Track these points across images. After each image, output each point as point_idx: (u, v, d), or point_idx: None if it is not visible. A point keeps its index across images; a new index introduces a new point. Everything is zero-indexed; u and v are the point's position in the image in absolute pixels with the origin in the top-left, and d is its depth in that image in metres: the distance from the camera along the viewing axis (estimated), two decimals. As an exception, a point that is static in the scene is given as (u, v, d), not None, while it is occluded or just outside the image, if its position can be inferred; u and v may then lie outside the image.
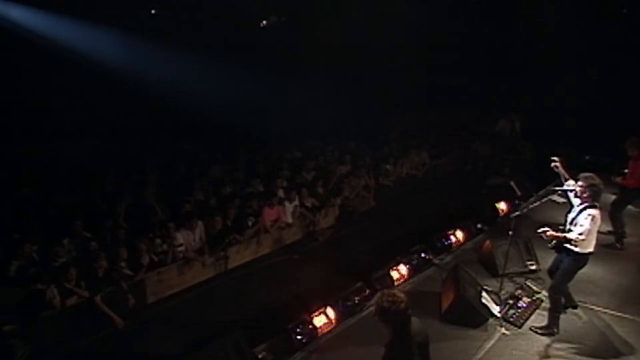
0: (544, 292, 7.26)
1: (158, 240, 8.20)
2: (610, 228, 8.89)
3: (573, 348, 6.26)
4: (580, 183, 6.13)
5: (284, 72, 14.01)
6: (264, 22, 15.89)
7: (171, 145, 12.61)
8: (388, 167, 11.82)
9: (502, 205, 9.78)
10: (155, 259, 8.05)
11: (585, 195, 6.06)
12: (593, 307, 7.08)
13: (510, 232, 6.95)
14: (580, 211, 6.10)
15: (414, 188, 12.31)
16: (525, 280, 7.59)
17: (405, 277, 7.59)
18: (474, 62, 14.41)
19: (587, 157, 11.98)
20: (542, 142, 12.61)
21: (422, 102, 14.08)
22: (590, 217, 5.98)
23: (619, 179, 8.49)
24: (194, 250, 8.49)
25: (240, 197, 9.65)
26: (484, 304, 6.81)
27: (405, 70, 14.22)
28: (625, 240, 8.87)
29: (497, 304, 7.01)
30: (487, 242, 8.06)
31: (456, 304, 6.62)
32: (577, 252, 6.10)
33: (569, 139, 12.40)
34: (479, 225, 9.08)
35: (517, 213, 6.81)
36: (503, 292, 7.29)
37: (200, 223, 8.66)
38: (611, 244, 8.88)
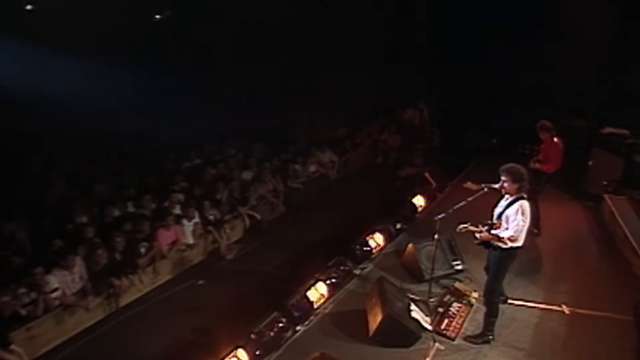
0: (474, 294, 6.69)
1: (23, 289, 6.54)
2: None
3: (510, 353, 5.69)
4: (503, 177, 5.55)
5: (179, 71, 12.44)
6: (157, 16, 13.93)
7: (44, 163, 10.57)
8: (297, 167, 10.79)
9: (419, 201, 9.13)
10: (23, 312, 6.43)
11: (511, 188, 5.51)
12: (522, 302, 6.57)
13: (436, 236, 6.23)
14: (508, 205, 5.51)
15: (326, 188, 11.45)
16: (453, 282, 6.94)
17: (326, 296, 6.61)
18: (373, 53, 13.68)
19: (494, 141, 11.79)
20: (450, 129, 12.28)
21: (326, 97, 13.17)
22: (520, 211, 5.41)
23: (537, 165, 8.12)
24: (74, 293, 6.94)
25: (130, 220, 8.15)
26: (413, 318, 6.01)
27: (304, 65, 13.24)
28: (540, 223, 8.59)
29: (427, 315, 6.27)
30: (410, 246, 7.30)
31: (384, 323, 5.74)
32: (505, 249, 5.50)
33: (476, 124, 12.14)
34: (398, 225, 8.32)
35: (442, 215, 6.06)
36: (432, 299, 6.59)
37: (78, 259, 7.08)
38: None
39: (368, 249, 7.64)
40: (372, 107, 13.46)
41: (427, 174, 9.80)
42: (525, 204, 5.44)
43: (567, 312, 6.47)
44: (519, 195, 5.47)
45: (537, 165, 8.02)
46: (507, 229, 5.46)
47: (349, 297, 6.76)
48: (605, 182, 9.19)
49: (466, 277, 7.10)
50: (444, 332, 6.00)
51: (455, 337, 5.94)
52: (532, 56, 11.80)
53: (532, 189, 8.33)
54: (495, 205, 5.79)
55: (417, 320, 6.02)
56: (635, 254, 7.46)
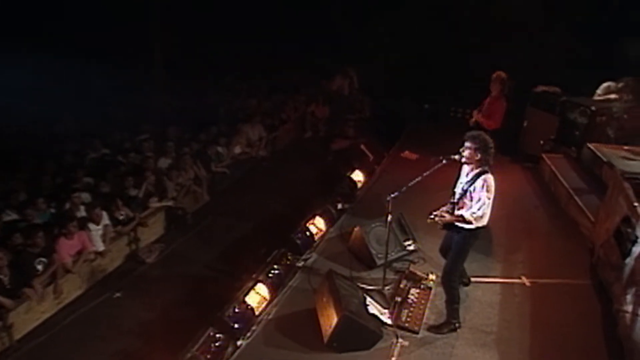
0: (431, 276, 5.99)
1: None
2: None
3: (479, 340, 5.05)
4: (467, 144, 4.81)
5: (82, 53, 10.58)
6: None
7: None
8: (219, 149, 9.51)
9: (358, 176, 8.29)
10: None
11: (475, 158, 4.78)
12: (482, 279, 5.98)
13: (389, 217, 5.40)
14: (473, 180, 4.80)
15: (254, 169, 10.31)
16: (407, 265, 6.21)
17: (268, 299, 5.61)
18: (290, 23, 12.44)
19: (426, 106, 11.19)
20: (380, 96, 11.49)
21: (248, 71, 11.82)
22: (485, 187, 4.71)
23: (480, 118, 7.49)
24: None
25: (20, 232, 6.58)
26: (371, 314, 5.19)
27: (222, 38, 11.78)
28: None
29: (384, 307, 5.47)
30: (357, 229, 6.43)
31: (341, 325, 4.84)
32: (469, 229, 4.83)
33: (407, 91, 11.42)
34: (339, 206, 7.43)
35: (395, 194, 5.22)
36: (387, 288, 5.83)
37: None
38: None
39: (309, 236, 6.71)
40: (297, 77, 12.31)
41: (362, 146, 8.98)
42: (489, 178, 4.74)
43: (527, 284, 5.97)
44: (482, 169, 4.77)
45: (480, 118, 7.41)
46: (471, 207, 4.78)
47: (295, 295, 5.78)
48: (542, 142, 8.88)
49: (419, 257, 6.41)
50: (406, 325, 5.24)
51: (419, 329, 5.20)
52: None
53: None
54: (455, 182, 5.07)
55: (375, 316, 5.21)
56: (582, 213, 7.15)
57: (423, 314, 5.41)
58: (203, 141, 9.58)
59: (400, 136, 10.35)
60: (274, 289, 5.70)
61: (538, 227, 7.20)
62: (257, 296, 5.50)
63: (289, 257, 6.20)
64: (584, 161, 8.38)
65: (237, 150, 9.73)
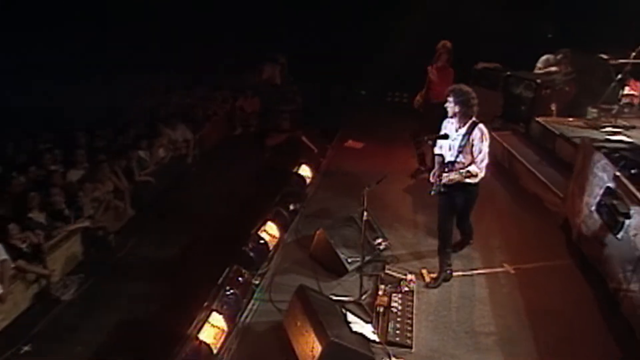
0: (410, 276, 5.18)
1: None
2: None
3: (481, 344, 4.33)
4: (451, 99, 4.71)
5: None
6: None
7: None
8: (141, 154, 8.07)
9: (305, 171, 7.29)
10: None
11: (463, 111, 4.67)
12: (466, 272, 5.28)
13: (364, 214, 4.50)
14: (467, 133, 4.67)
15: (183, 174, 8.95)
16: (382, 268, 5.34)
17: (226, 330, 4.48)
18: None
19: (362, 92, 10.45)
20: (310, 85, 10.50)
21: (162, 65, 10.31)
22: (483, 137, 4.65)
23: (433, 72, 6.97)
24: None
25: None
26: (356, 332, 4.26)
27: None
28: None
29: (367, 321, 4.57)
30: (319, 232, 5.44)
31: (327, 354, 3.87)
32: (475, 184, 4.77)
33: (339, 78, 10.54)
34: (291, 207, 6.40)
35: (372, 186, 4.33)
36: (364, 297, 4.93)
37: None
38: (416, 170, 7.43)
39: (262, 246, 5.61)
40: (220, 68, 10.95)
41: (304, 138, 8.02)
42: (483, 127, 4.71)
43: (512, 271, 5.38)
44: (472, 121, 4.71)
45: (433, 76, 6.94)
46: (475, 161, 4.65)
47: (258, 321, 4.67)
48: (490, 119, 8.43)
49: (391, 256, 5.57)
50: (397, 339, 4.38)
51: (412, 342, 4.36)
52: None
53: (426, 127, 7.14)
54: (435, 140, 4.91)
55: (361, 335, 4.28)
56: (545, 188, 6.72)
57: (411, 322, 4.59)
58: (121, 146, 8.05)
59: (340, 125, 9.51)
60: (231, 317, 4.57)
61: (503, 207, 6.67)
62: (213, 329, 4.34)
63: (244, 274, 5.09)
64: (533, 136, 8.06)
65: (162, 153, 8.34)
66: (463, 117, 4.68)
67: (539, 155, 7.48)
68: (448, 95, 4.70)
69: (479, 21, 10.26)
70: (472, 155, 4.63)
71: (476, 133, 4.62)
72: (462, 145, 4.65)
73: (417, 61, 10.63)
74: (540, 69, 8.34)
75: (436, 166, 4.88)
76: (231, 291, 4.75)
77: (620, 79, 7.65)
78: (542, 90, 8.01)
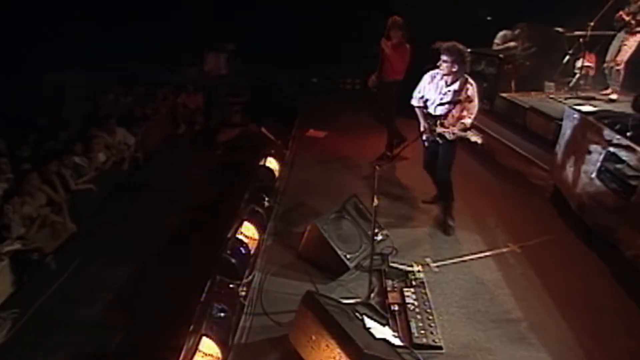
0: (416, 267, 4.57)
1: None
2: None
3: (512, 333, 3.81)
4: (444, 58, 4.64)
5: None
6: None
7: None
8: (77, 160, 6.78)
9: (272, 164, 6.47)
10: None
11: (454, 70, 4.63)
12: (473, 256, 4.75)
13: (375, 200, 3.79)
14: (460, 89, 4.66)
15: (127, 179, 7.75)
16: (383, 261, 4.67)
17: (220, 358, 3.59)
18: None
19: (313, 80, 9.74)
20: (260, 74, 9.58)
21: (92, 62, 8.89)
22: (475, 90, 4.68)
23: (388, 47, 6.45)
24: None
25: None
26: (381, 339, 3.56)
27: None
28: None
29: (383, 324, 3.88)
30: (311, 227, 4.65)
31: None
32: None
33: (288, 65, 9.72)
34: (266, 203, 5.54)
35: (382, 164, 3.66)
36: (372, 296, 4.24)
37: None
38: (382, 155, 6.88)
39: (243, 249, 4.75)
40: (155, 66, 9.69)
41: (264, 129, 7.18)
42: (473, 82, 4.73)
43: (518, 250, 4.92)
44: (464, 77, 4.69)
45: (389, 49, 6.41)
46: (469, 114, 4.63)
47: (256, 343, 3.79)
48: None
49: (389, 247, 4.92)
50: (424, 341, 3.74)
51: (440, 341, 3.75)
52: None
53: (386, 106, 6.71)
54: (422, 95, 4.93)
55: (385, 341, 3.60)
56: (529, 163, 6.41)
57: (433, 318, 3.98)
58: (53, 151, 6.69)
59: (296, 115, 8.74)
60: (223, 340, 3.68)
61: (489, 186, 6.27)
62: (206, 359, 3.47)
63: (229, 285, 4.20)
64: (499, 112, 7.78)
65: (101, 158, 7.11)
66: (455, 74, 4.66)
67: (510, 130, 7.20)
68: (442, 54, 4.64)
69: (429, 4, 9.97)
70: (464, 109, 4.63)
71: (469, 88, 4.65)
72: (454, 99, 4.66)
73: (369, 47, 10.28)
74: (498, 44, 8.10)
75: (422, 120, 5.02)
76: (219, 308, 3.88)
77: (572, 52, 7.65)
78: (505, 66, 7.77)
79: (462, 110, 4.63)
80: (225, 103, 8.92)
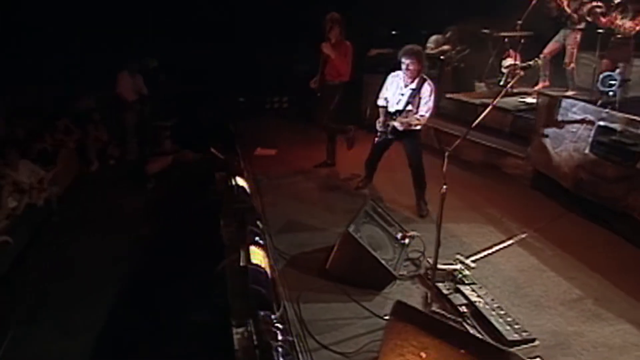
0: (459, 263, 4.23)
1: None
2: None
3: (583, 312, 3.71)
4: (409, 61, 5.07)
5: None
6: None
7: None
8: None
9: (240, 181, 5.67)
10: None
11: (420, 69, 5.16)
12: (496, 248, 4.63)
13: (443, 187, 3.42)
14: (418, 88, 5.16)
15: (44, 226, 6.23)
16: (420, 264, 4.26)
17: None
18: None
19: (240, 99, 9.09)
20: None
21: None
22: (431, 90, 5.16)
23: (330, 51, 6.14)
24: None
25: None
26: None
27: None
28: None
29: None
30: (343, 237, 4.01)
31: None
32: (417, 130, 5.36)
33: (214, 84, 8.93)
34: (260, 225, 4.72)
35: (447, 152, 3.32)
36: (430, 302, 3.79)
37: None
38: (322, 163, 6.78)
39: (265, 278, 3.96)
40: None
41: (213, 150, 6.41)
42: (430, 82, 5.25)
43: (535, 234, 4.91)
44: (422, 76, 5.19)
45: (331, 52, 6.12)
46: (421, 110, 5.21)
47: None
48: None
49: (415, 248, 4.55)
50: (516, 337, 3.39)
51: (529, 332, 3.42)
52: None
53: (325, 110, 6.49)
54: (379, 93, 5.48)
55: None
56: (502, 154, 6.54)
57: (504, 311, 3.68)
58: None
59: (232, 136, 8.01)
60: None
61: (470, 183, 6.20)
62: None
63: (271, 327, 3.41)
64: (447, 113, 7.99)
65: (12, 203, 5.56)
66: (417, 74, 5.14)
67: (466, 127, 7.40)
68: (405, 57, 5.08)
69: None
70: (419, 106, 5.18)
71: (426, 87, 5.16)
72: (412, 97, 5.19)
73: (296, 65, 10.02)
74: (433, 49, 8.42)
75: (381, 116, 5.47)
76: (281, 351, 3.09)
77: (498, 52, 8.27)
78: (445, 68, 8.10)
79: (417, 107, 5.18)
80: (152, 128, 7.80)
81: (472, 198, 5.75)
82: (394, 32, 11.07)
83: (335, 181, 6.44)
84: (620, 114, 4.90)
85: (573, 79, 7.22)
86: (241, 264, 4.00)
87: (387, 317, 3.55)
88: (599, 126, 5.07)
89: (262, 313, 3.36)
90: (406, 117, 5.22)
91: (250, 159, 7.25)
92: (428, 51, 8.58)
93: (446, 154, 3.56)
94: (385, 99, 5.42)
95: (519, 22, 7.51)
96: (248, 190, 5.73)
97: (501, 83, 8.14)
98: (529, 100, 7.40)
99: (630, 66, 6.37)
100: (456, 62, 8.27)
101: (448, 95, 7.97)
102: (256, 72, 9.23)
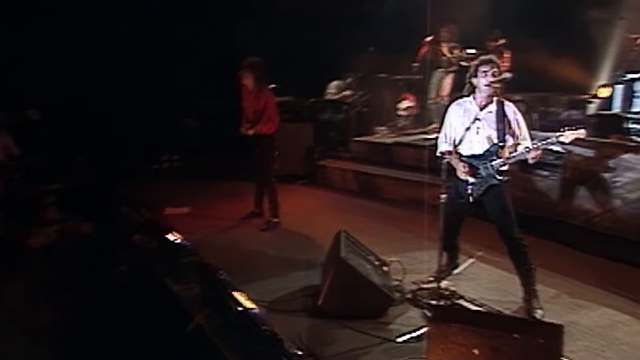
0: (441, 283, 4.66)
1: None
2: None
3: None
4: (488, 68, 4.21)
5: None
6: None
7: None
8: None
9: (174, 237, 5.46)
10: None
11: (496, 80, 4.24)
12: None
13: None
14: (503, 111, 4.28)
15: None
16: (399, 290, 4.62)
17: None
18: None
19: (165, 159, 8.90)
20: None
21: None
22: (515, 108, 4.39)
23: (251, 130, 6.36)
24: None
25: None
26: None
27: None
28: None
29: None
30: (337, 266, 4.13)
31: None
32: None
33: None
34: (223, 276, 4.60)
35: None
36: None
37: None
38: (250, 213, 6.98)
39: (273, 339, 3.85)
40: None
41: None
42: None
43: (486, 255, 5.57)
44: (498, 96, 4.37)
45: (259, 129, 6.32)
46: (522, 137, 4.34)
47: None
48: (315, 156, 8.76)
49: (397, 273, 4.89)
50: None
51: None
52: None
53: (260, 165, 6.67)
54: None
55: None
56: (416, 187, 7.24)
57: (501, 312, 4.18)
58: None
59: (130, 198, 7.63)
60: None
61: (407, 217, 6.77)
62: None
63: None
64: (358, 157, 8.76)
65: None
66: (495, 88, 4.30)
67: (382, 166, 8.21)
68: (485, 64, 4.24)
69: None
70: (515, 135, 4.30)
71: (509, 106, 4.33)
72: (500, 124, 4.24)
73: (187, 118, 10.05)
74: (334, 94, 9.28)
75: (458, 166, 4.33)
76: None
77: (395, 95, 9.50)
78: (351, 111, 8.94)
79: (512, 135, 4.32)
80: (34, 194, 6.94)
81: (416, 230, 6.32)
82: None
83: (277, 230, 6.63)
84: (541, 133, 6.07)
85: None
86: (238, 309, 3.93)
87: (399, 340, 3.90)
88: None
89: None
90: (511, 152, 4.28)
91: (161, 217, 7.05)
92: (330, 97, 9.49)
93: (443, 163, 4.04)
94: (452, 139, 4.47)
95: (415, 64, 8.84)
96: (188, 243, 5.63)
97: (400, 125, 9.34)
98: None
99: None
100: (359, 106, 9.24)
101: (358, 139, 8.82)
102: (143, 128, 9.11)
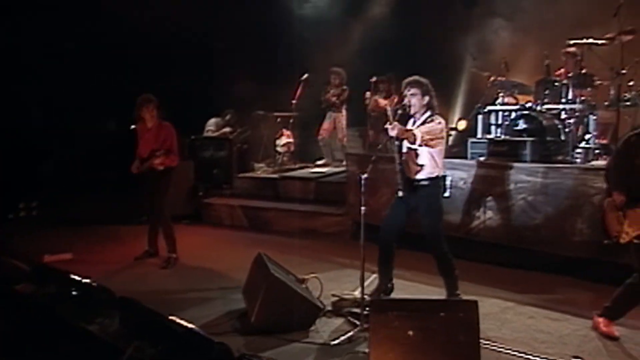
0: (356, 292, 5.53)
1: None
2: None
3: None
4: (411, 92, 5.24)
5: None
6: None
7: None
8: None
9: (78, 277, 5.48)
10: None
11: (423, 103, 5.27)
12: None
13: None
14: (424, 123, 5.25)
15: None
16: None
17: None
18: None
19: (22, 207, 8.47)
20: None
21: None
22: (442, 125, 5.28)
23: (161, 163, 6.79)
24: None
25: None
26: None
27: None
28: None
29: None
30: (268, 283, 4.71)
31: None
32: (436, 177, 5.36)
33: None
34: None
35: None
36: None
37: None
38: (144, 253, 7.34)
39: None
40: None
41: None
42: (442, 120, 5.37)
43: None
44: (431, 112, 5.30)
45: (159, 163, 6.75)
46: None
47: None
48: (200, 193, 9.26)
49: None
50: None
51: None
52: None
53: (156, 200, 7.18)
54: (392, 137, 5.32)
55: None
56: (311, 216, 8.35)
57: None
58: None
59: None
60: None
61: (305, 248, 7.59)
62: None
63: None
64: (242, 193, 9.40)
65: None
66: (424, 107, 5.31)
67: (270, 200, 9.00)
68: (407, 88, 5.28)
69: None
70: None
71: (436, 121, 5.25)
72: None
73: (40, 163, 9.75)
74: (214, 131, 9.88)
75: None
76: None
77: (274, 132, 10.43)
78: (234, 147, 9.62)
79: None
80: None
81: (313, 255, 7.25)
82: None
83: (178, 266, 7.01)
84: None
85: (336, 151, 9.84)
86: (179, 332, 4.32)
87: (334, 343, 4.65)
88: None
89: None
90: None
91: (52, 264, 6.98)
92: (210, 134, 10.10)
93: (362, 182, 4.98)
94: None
95: (293, 101, 9.88)
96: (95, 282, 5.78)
97: (279, 162, 10.27)
98: (323, 169, 9.62)
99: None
100: (239, 143, 9.97)
101: (242, 175, 9.54)
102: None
